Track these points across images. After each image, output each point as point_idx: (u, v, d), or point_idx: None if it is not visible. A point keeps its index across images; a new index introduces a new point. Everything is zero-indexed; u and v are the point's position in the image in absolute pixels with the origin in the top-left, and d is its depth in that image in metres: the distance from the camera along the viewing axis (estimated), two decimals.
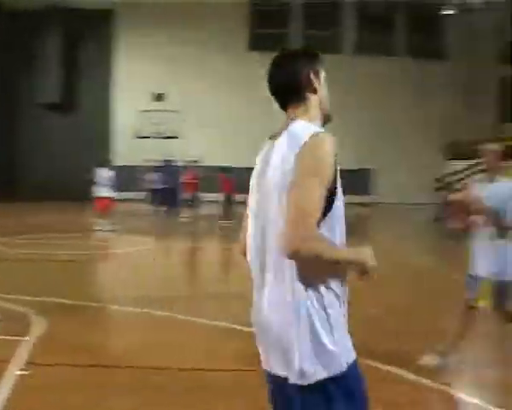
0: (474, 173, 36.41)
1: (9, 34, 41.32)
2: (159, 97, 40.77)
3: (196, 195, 28.90)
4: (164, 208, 31.78)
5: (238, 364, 7.24)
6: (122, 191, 29.98)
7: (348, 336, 2.96)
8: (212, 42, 42.56)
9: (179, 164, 37.49)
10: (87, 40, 43.15)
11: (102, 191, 22.65)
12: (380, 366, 7.14)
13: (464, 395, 6.58)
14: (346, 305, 3.01)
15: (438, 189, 36.77)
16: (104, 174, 22.85)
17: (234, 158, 37.30)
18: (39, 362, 7.03)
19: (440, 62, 45.79)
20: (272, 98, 3.24)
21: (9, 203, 33.69)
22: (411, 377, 6.84)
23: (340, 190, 2.98)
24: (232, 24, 43.24)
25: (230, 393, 6.44)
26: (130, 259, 17.06)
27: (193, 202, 34.16)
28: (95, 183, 22.80)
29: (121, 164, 36.85)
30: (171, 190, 35.21)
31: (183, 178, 29.36)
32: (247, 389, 6.48)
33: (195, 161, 38.46)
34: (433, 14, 45.23)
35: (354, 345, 2.94)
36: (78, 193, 32.76)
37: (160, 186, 34.42)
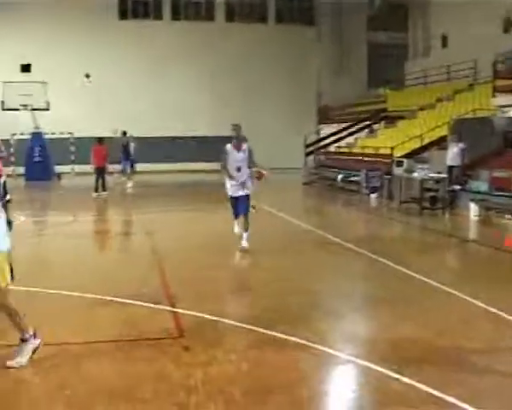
0: (342, 138, 37.63)
1: None
2: (25, 68, 39.62)
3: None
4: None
5: (114, 336, 7.44)
6: None
7: None
8: (81, 10, 41.76)
9: (50, 136, 36.95)
10: None
11: None
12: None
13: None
14: None
15: (308, 153, 37.71)
16: None
17: (104, 129, 36.95)
18: None
19: (312, 28, 46.60)
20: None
21: None
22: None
23: None
24: None
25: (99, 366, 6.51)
26: None
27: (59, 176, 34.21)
28: None
29: None
30: (44, 163, 34.93)
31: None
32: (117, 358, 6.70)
33: (70, 133, 37.91)
34: None
35: None
36: None
37: (36, 159, 34.36)
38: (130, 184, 29.36)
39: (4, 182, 14.18)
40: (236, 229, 13.58)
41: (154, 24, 44.28)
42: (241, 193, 13.22)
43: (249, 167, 13.14)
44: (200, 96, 42.97)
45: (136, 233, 16.54)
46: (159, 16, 44.91)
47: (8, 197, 14.12)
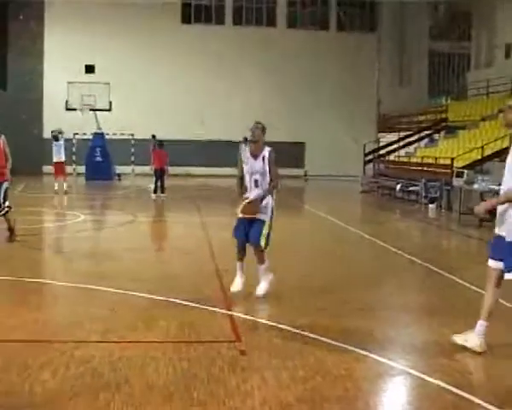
0: (402, 147, 37.36)
1: None
2: (89, 69, 40.36)
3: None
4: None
5: (171, 336, 7.55)
6: None
7: None
8: (145, 13, 42.32)
9: (111, 137, 37.47)
10: (17, 10, 42.30)
11: (58, 157, 27.09)
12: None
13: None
14: None
15: (367, 162, 37.58)
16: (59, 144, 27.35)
17: (165, 131, 37.42)
18: None
19: (373, 36, 46.36)
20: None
21: None
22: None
23: None
24: None
25: (156, 365, 6.57)
26: (62, 232, 17.20)
27: (120, 177, 34.70)
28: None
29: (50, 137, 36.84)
30: (104, 163, 35.45)
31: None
32: (175, 359, 6.74)
33: (131, 134, 38.33)
34: None
35: None
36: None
37: (97, 159, 35.01)
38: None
39: (6, 188, 13.96)
40: (237, 283, 9.53)
41: (216, 28, 44.61)
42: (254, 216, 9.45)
43: (270, 182, 9.55)
44: (259, 101, 43.06)
45: (194, 236, 16.67)
46: (221, 21, 45.19)
47: (7, 204, 13.88)
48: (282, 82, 43.72)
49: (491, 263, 7.20)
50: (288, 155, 40.34)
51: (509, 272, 6.93)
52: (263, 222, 9.37)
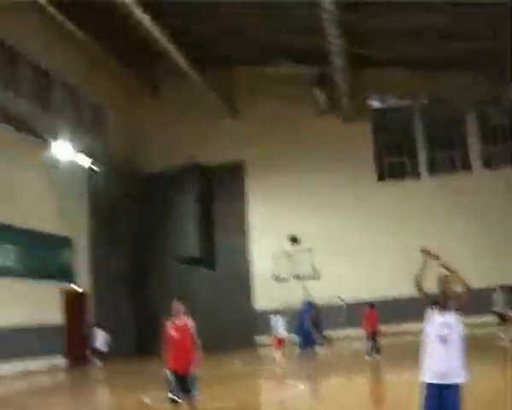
0: None
1: (146, 195, 44.02)
2: (294, 240, 41.42)
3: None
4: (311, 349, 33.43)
5: None
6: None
7: None
8: (340, 178, 43.37)
9: (319, 302, 37.87)
10: (220, 193, 44.92)
11: (280, 333, 28.56)
12: None
13: None
14: None
15: None
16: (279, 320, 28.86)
17: (373, 291, 37.47)
18: None
19: None
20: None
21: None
22: None
23: None
24: (358, 157, 43.82)
25: None
26: (286, 403, 17.36)
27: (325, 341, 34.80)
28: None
29: (261, 309, 38.06)
30: (316, 330, 35.71)
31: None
32: None
33: (339, 297, 38.69)
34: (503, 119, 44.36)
35: None
36: (220, 344, 34.23)
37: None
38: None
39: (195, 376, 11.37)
40: None
41: (411, 183, 44.50)
42: (448, 380, 7.40)
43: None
44: (459, 253, 41.87)
45: (415, 396, 16.24)
46: (416, 175, 44.89)
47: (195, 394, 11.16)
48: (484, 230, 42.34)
49: None
50: (479, 300, 38.47)
51: None
52: (458, 388, 7.31)
